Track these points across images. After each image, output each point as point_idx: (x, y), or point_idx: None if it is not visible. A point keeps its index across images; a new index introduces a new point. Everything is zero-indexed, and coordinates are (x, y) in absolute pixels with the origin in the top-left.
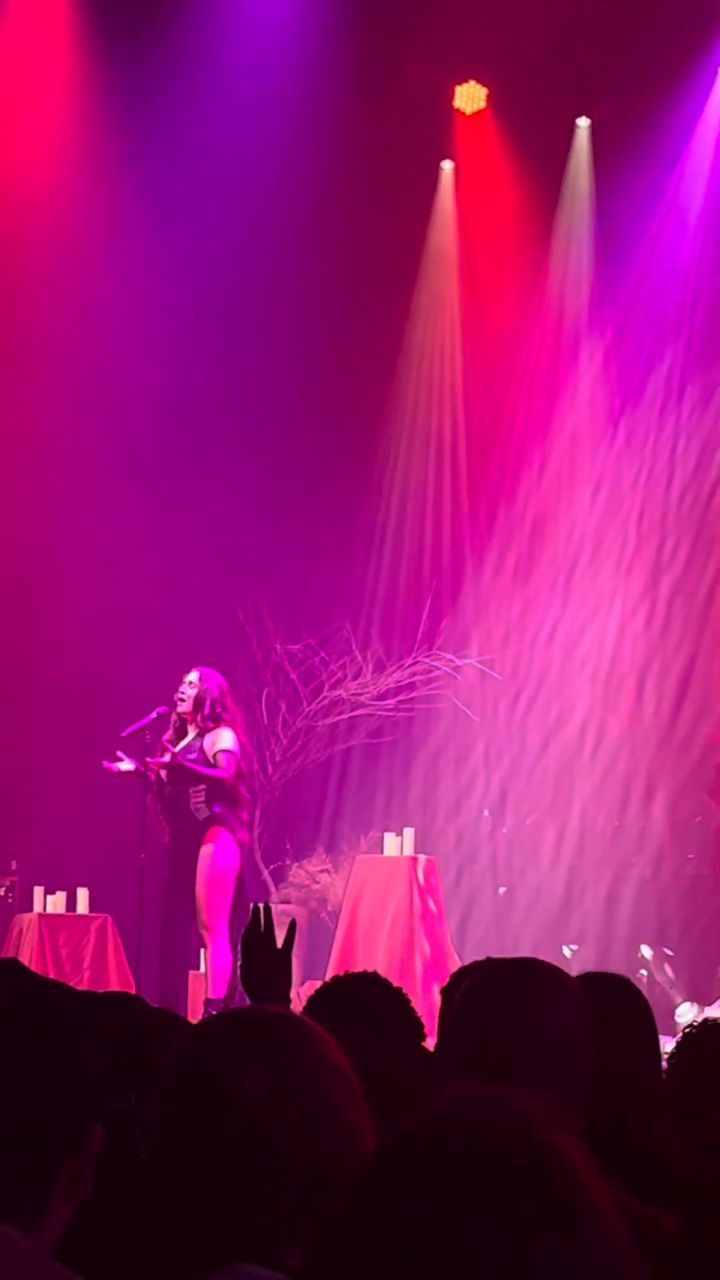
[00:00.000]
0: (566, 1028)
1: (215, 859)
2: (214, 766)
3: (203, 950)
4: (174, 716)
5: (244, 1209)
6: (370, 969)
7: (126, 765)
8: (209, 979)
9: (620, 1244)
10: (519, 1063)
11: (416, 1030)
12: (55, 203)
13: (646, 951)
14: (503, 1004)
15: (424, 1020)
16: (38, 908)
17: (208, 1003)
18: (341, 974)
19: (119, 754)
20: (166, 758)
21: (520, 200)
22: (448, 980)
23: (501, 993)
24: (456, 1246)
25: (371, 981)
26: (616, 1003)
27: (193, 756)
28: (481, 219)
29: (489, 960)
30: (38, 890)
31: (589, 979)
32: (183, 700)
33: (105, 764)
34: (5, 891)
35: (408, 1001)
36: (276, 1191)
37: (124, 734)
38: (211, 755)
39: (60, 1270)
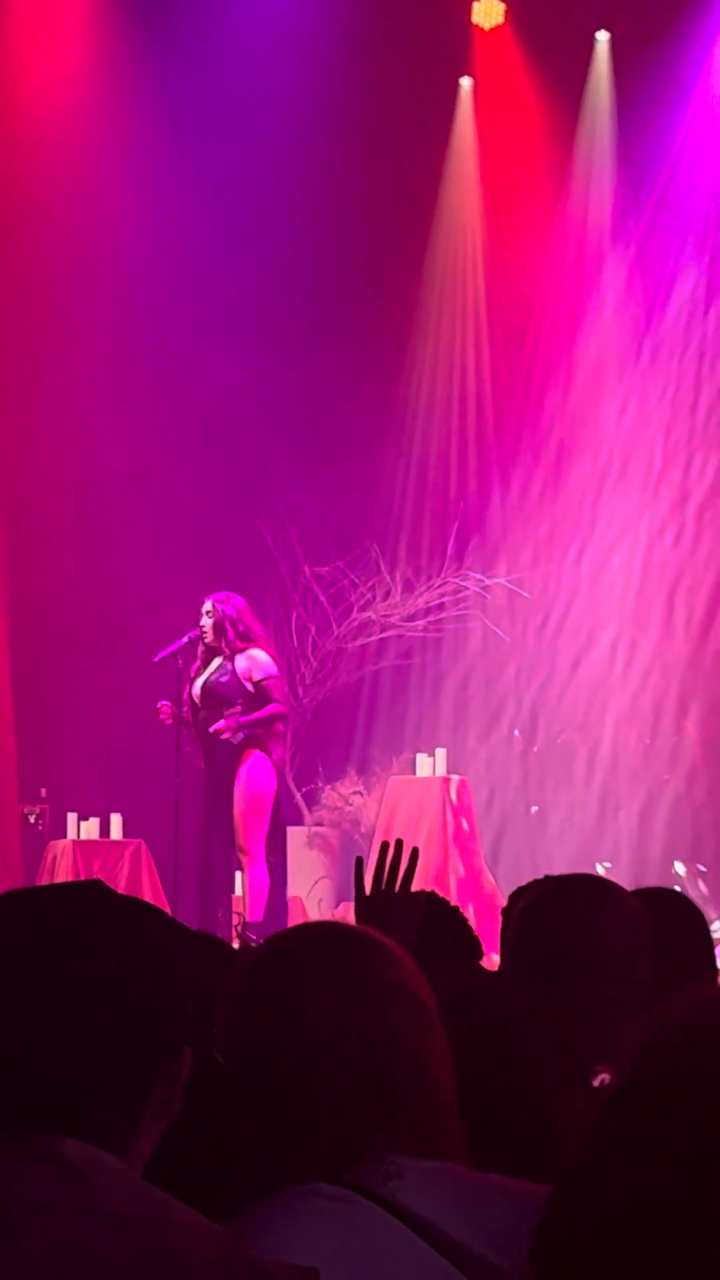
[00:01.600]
0: (627, 941)
1: (251, 783)
2: (260, 698)
3: (239, 874)
4: (200, 647)
5: (309, 1126)
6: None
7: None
8: (247, 902)
9: None
10: (581, 976)
11: (475, 947)
12: (77, 124)
13: (680, 868)
14: (563, 919)
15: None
16: (71, 834)
17: (245, 926)
18: None
19: (168, 708)
20: (226, 733)
21: (540, 116)
22: (507, 900)
23: (562, 907)
24: None
25: (430, 899)
26: (673, 917)
27: (225, 679)
28: (501, 136)
29: (547, 878)
30: (71, 817)
31: (645, 894)
32: (204, 632)
33: (163, 714)
34: (36, 819)
35: (465, 919)
36: (339, 1110)
37: (156, 659)
38: (255, 684)
39: (154, 1191)
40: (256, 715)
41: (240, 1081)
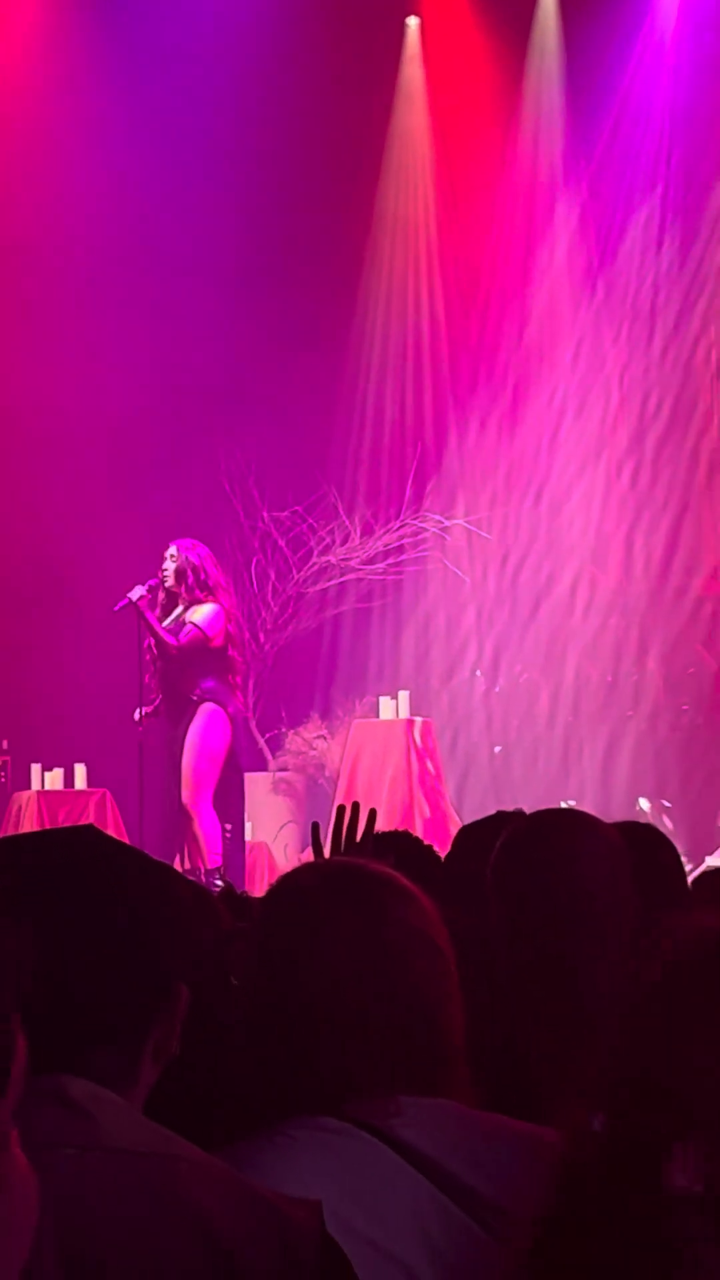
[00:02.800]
0: (607, 873)
1: (203, 737)
2: (193, 643)
3: (192, 823)
4: (161, 593)
5: (316, 1062)
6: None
7: (137, 591)
8: (203, 850)
9: None
10: (563, 911)
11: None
12: (26, 75)
13: (645, 804)
14: (543, 852)
15: None
16: (35, 785)
17: (208, 873)
18: (375, 833)
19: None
20: (122, 603)
21: (488, 55)
22: (466, 825)
23: (541, 841)
24: None
25: (403, 839)
26: (647, 848)
27: (177, 630)
28: (449, 75)
29: (519, 812)
30: (35, 767)
31: (619, 828)
32: (165, 576)
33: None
34: None
35: (438, 857)
36: (347, 1047)
37: (116, 607)
38: (181, 624)
39: (158, 1128)
40: (156, 624)
41: (251, 1017)
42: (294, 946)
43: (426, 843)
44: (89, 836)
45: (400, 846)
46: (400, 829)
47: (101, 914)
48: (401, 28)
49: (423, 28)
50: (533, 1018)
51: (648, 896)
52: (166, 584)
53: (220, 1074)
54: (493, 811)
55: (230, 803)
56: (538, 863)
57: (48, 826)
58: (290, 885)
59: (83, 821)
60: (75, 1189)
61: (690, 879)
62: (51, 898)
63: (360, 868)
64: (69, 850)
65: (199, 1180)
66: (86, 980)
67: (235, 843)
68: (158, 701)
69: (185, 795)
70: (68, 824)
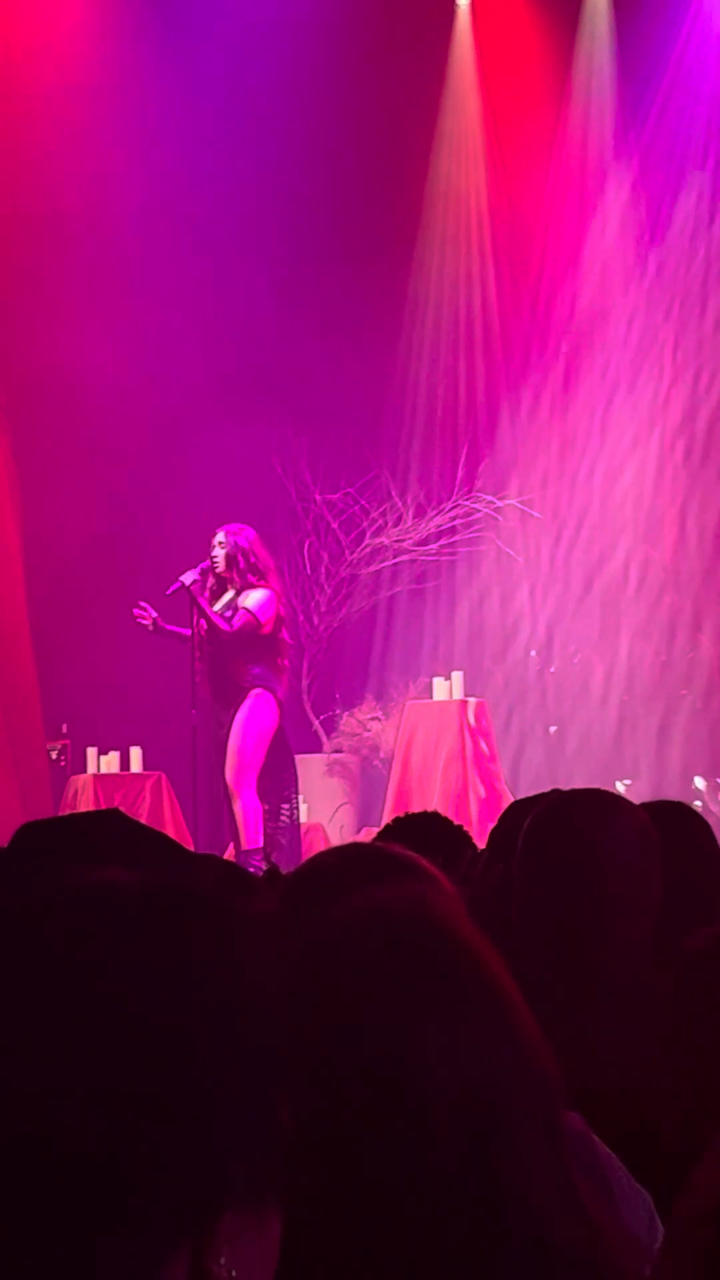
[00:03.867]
0: (634, 854)
1: (250, 719)
2: (245, 628)
3: (233, 804)
4: (210, 578)
5: None
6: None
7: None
8: (242, 831)
9: (509, 1033)
10: (587, 888)
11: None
12: (80, 45)
13: (700, 783)
14: (569, 831)
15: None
16: (91, 769)
17: (243, 854)
18: (402, 814)
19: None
20: (174, 588)
21: (538, 31)
22: (503, 811)
23: (568, 820)
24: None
25: (432, 819)
26: (681, 830)
27: (229, 615)
28: (500, 52)
29: (553, 791)
30: (91, 751)
31: (652, 807)
32: (216, 562)
33: (142, 618)
34: (57, 755)
35: (469, 837)
36: None
37: (169, 591)
38: (234, 609)
39: None
40: (209, 609)
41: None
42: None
43: (457, 823)
44: (112, 821)
45: (429, 828)
46: (432, 810)
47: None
48: (452, 5)
49: (473, 5)
50: (551, 998)
51: (680, 877)
52: (217, 569)
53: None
54: (547, 791)
55: (282, 785)
56: (562, 842)
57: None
58: (310, 869)
59: (139, 805)
60: None
61: None
62: (74, 883)
63: (379, 850)
64: (91, 835)
65: None
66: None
67: (289, 824)
68: (206, 681)
69: (229, 775)
70: (123, 807)
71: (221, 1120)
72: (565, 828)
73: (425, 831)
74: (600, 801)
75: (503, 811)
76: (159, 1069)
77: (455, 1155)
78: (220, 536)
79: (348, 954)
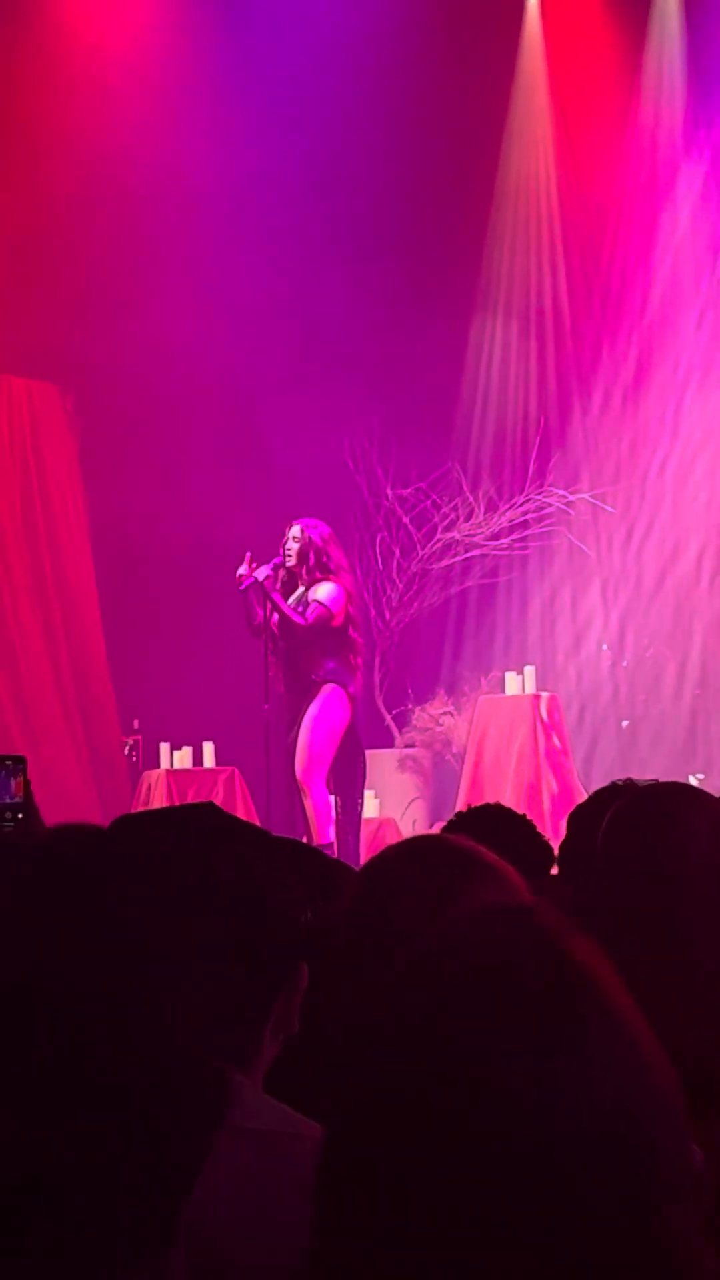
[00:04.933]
0: (712, 847)
1: (322, 714)
2: (316, 621)
3: (303, 799)
4: (282, 573)
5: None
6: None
7: (262, 571)
8: (313, 826)
9: (640, 1061)
10: (671, 882)
11: (546, 857)
12: (147, 55)
13: None
14: (648, 824)
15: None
16: (164, 764)
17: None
18: (465, 809)
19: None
20: (247, 579)
21: (608, 23)
22: (582, 801)
23: (646, 814)
24: (475, 1059)
25: (497, 811)
26: None
27: (301, 609)
28: (570, 46)
29: (630, 783)
30: (164, 746)
31: None
32: (289, 556)
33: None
34: (129, 750)
35: (535, 829)
36: None
37: (242, 587)
38: (305, 603)
39: (281, 1106)
40: (283, 603)
41: (340, 992)
42: (377, 920)
43: (521, 814)
44: (210, 814)
45: (495, 820)
46: (496, 803)
47: (226, 893)
48: (522, 1)
49: (543, 1)
50: (634, 988)
51: None
52: (288, 563)
53: (316, 1048)
54: (604, 787)
55: (352, 780)
56: (644, 837)
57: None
58: (377, 862)
59: (211, 800)
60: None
61: None
62: (174, 877)
63: (443, 841)
64: (188, 830)
65: None
66: (210, 959)
67: (355, 821)
68: (280, 675)
69: (299, 770)
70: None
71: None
72: (648, 820)
73: (492, 824)
74: (682, 794)
75: (583, 801)
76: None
77: (604, 1192)
78: (295, 530)
79: (460, 976)
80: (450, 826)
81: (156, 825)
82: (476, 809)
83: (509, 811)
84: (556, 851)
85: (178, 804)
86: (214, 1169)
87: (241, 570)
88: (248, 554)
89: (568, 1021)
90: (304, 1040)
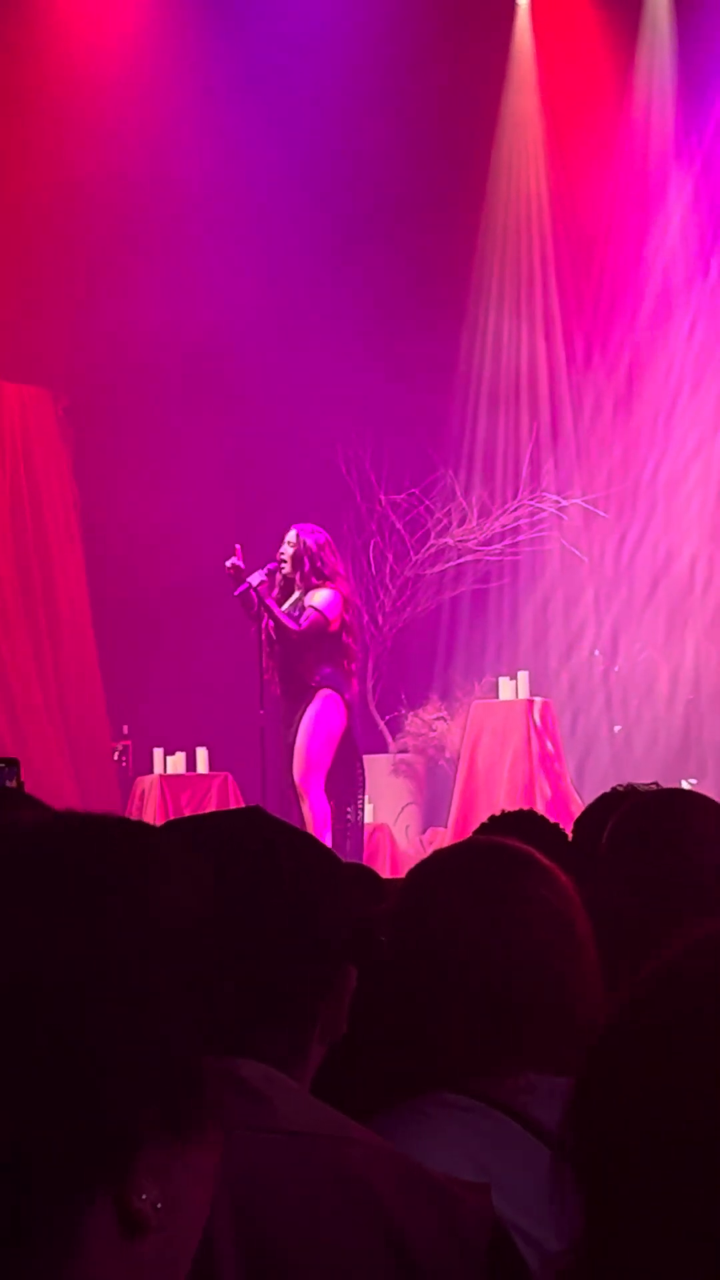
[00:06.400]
0: (717, 852)
1: (318, 719)
2: (312, 627)
3: (301, 804)
4: (279, 577)
5: (446, 1038)
6: (491, 813)
7: (257, 576)
8: (311, 832)
9: None
10: (675, 887)
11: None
12: (142, 59)
13: None
14: (653, 830)
15: None
16: (158, 769)
17: None
18: (500, 814)
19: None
20: (242, 587)
21: (599, 30)
22: (587, 806)
23: (651, 819)
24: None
25: (529, 818)
26: None
27: (296, 614)
28: (561, 52)
29: (632, 788)
30: (157, 752)
31: None
32: (284, 561)
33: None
34: (119, 755)
35: (565, 835)
36: (477, 1022)
37: (236, 592)
38: (300, 609)
39: (330, 1110)
40: (277, 609)
41: (384, 990)
42: (424, 922)
43: (553, 821)
44: (255, 818)
45: (526, 826)
46: (529, 809)
47: (274, 895)
48: (512, 7)
49: (533, 6)
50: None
51: None
52: (283, 569)
53: (358, 1049)
54: (607, 791)
55: (349, 786)
56: (649, 841)
57: (170, 811)
58: (433, 862)
59: (205, 806)
60: (250, 1171)
61: None
62: (225, 880)
63: (501, 845)
64: (235, 833)
65: (372, 1163)
66: (260, 961)
67: (354, 825)
68: (276, 679)
69: (297, 774)
70: (190, 808)
71: (124, 1064)
72: (652, 824)
73: (524, 831)
74: (685, 799)
75: (588, 806)
76: (57, 1016)
77: None
78: (291, 535)
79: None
80: (483, 830)
81: (204, 827)
82: (508, 815)
83: (542, 818)
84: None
85: (172, 810)
86: (261, 1172)
87: (231, 562)
88: (238, 546)
89: None
90: (350, 1042)
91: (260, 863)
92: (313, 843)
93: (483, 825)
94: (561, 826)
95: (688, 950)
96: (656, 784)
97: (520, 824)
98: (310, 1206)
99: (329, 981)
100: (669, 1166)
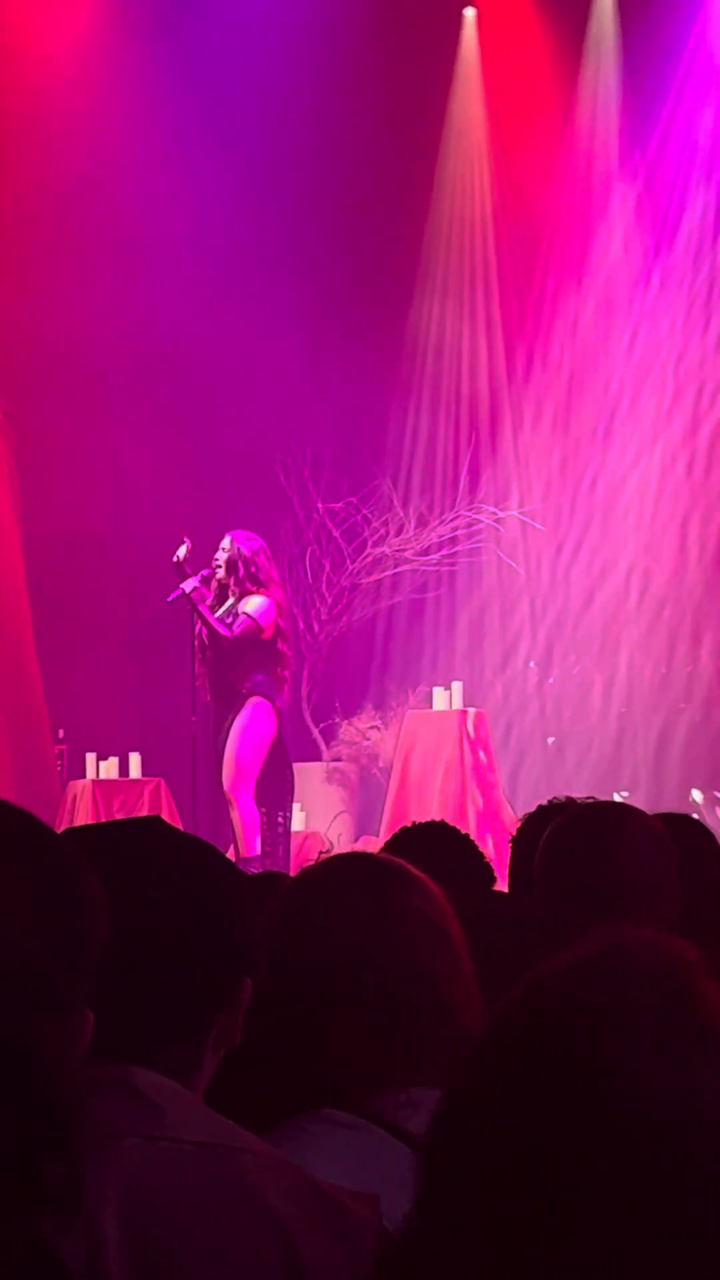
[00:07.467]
0: (653, 864)
1: (248, 726)
2: (245, 634)
3: (230, 811)
4: (214, 583)
5: (328, 1056)
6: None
7: (190, 583)
8: (240, 838)
9: None
10: (606, 901)
11: (486, 875)
12: (85, 62)
13: (697, 795)
14: (587, 844)
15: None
16: (90, 774)
17: (241, 861)
18: (410, 825)
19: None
20: (174, 595)
21: (545, 46)
22: (520, 823)
23: (585, 833)
24: (611, 1072)
25: (439, 829)
26: (689, 841)
27: (229, 621)
28: (506, 66)
29: (552, 804)
30: (90, 756)
31: (663, 820)
32: (218, 566)
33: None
34: (55, 759)
35: (475, 847)
36: (357, 1036)
37: (169, 599)
38: (234, 615)
39: (222, 1119)
40: (209, 615)
41: (264, 1007)
42: (303, 937)
43: (463, 832)
44: (158, 828)
45: (436, 837)
46: (440, 820)
47: (172, 906)
48: (459, 18)
49: (480, 18)
50: None
51: (690, 887)
52: (218, 575)
53: (248, 1062)
54: (545, 803)
55: (279, 793)
56: (582, 854)
57: (103, 815)
58: (303, 877)
59: (138, 811)
60: (142, 1178)
61: None
62: (122, 889)
63: (369, 857)
64: (137, 843)
65: (265, 1172)
66: (156, 971)
67: (284, 833)
68: (207, 685)
69: (226, 782)
70: (123, 813)
71: None
72: (586, 838)
73: (431, 841)
74: (619, 813)
75: (526, 817)
76: None
77: None
78: (226, 541)
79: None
80: (391, 843)
81: (103, 836)
82: (419, 825)
83: (451, 828)
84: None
85: (104, 815)
86: (153, 1180)
87: (179, 555)
88: (185, 539)
89: (695, 1029)
90: (242, 1052)
91: (158, 873)
92: (213, 853)
93: (394, 836)
94: (472, 838)
95: (555, 972)
96: (593, 797)
97: (431, 834)
98: (202, 1215)
99: (226, 992)
100: (510, 1177)
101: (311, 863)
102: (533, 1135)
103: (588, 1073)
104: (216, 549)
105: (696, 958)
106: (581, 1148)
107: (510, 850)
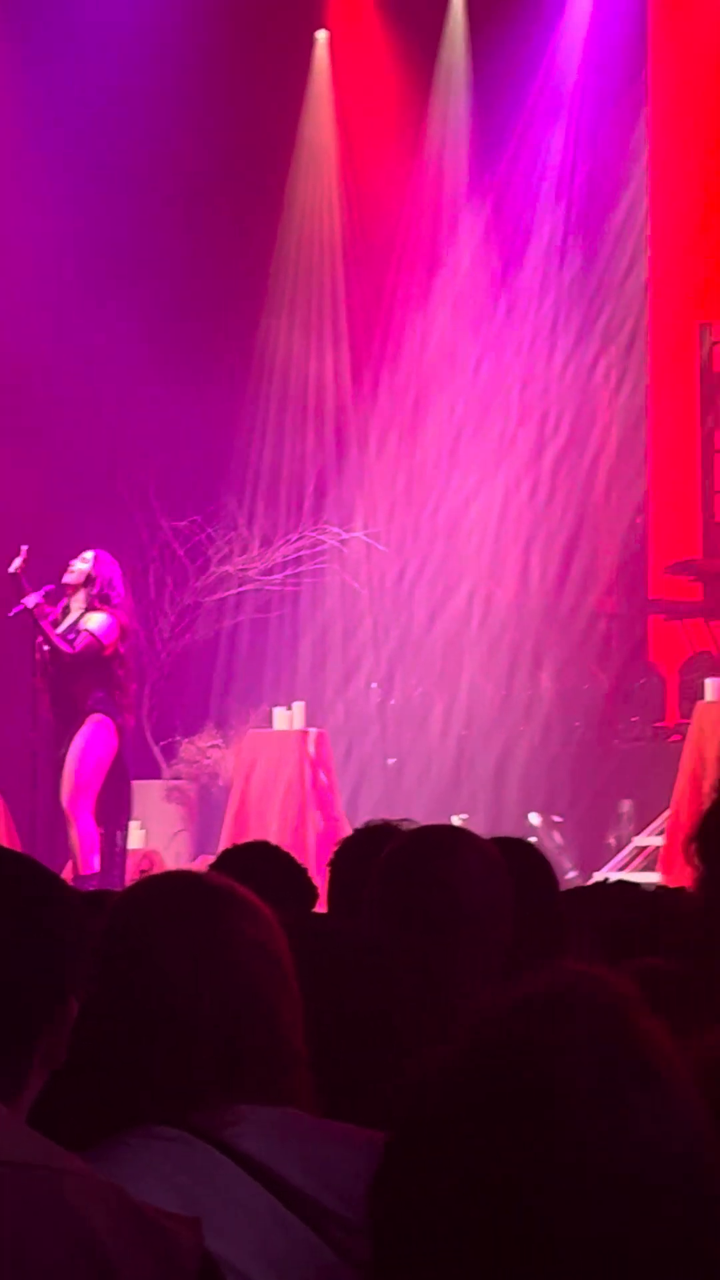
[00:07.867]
0: (487, 888)
1: (89, 744)
2: (86, 651)
3: (69, 828)
4: (63, 600)
5: (156, 1072)
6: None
7: (32, 599)
8: (77, 856)
9: (703, 1117)
10: (439, 926)
11: (309, 895)
12: None
13: (535, 819)
14: (420, 868)
15: (320, 889)
16: None
17: (79, 879)
18: (232, 846)
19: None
20: (17, 609)
21: (396, 67)
22: (343, 840)
23: (418, 857)
24: (550, 1098)
25: (263, 849)
26: (524, 865)
27: (71, 637)
28: (357, 90)
29: (405, 821)
30: None
31: (498, 843)
32: (71, 574)
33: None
34: None
35: (299, 866)
36: (185, 1053)
37: (11, 614)
38: (76, 631)
39: (44, 1140)
40: (51, 632)
41: (90, 1025)
42: (131, 955)
43: (285, 851)
44: None
45: (256, 856)
46: (263, 840)
47: None
48: (310, 41)
49: (331, 41)
50: (408, 1029)
51: (524, 911)
52: (67, 579)
53: (65, 1081)
54: (363, 825)
55: (118, 812)
56: (416, 878)
57: None
58: (129, 897)
59: None
60: None
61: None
62: None
63: (196, 878)
64: None
65: (84, 1194)
66: None
67: (121, 851)
68: (46, 701)
69: (65, 799)
70: None
71: None
72: (418, 861)
73: (254, 861)
74: (453, 836)
75: (344, 840)
76: None
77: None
78: (88, 555)
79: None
80: (219, 861)
81: None
82: (243, 846)
83: (274, 848)
84: (325, 888)
85: None
86: None
87: (15, 566)
88: (22, 548)
89: (640, 1069)
90: (69, 1070)
91: None
92: (41, 870)
93: (220, 855)
94: (294, 856)
95: (502, 1010)
96: (411, 820)
97: (254, 854)
98: (20, 1238)
99: (50, 1011)
100: (459, 1214)
101: (133, 884)
102: (481, 1172)
103: (535, 1111)
104: (59, 562)
105: (637, 995)
106: (529, 1183)
107: (329, 872)
